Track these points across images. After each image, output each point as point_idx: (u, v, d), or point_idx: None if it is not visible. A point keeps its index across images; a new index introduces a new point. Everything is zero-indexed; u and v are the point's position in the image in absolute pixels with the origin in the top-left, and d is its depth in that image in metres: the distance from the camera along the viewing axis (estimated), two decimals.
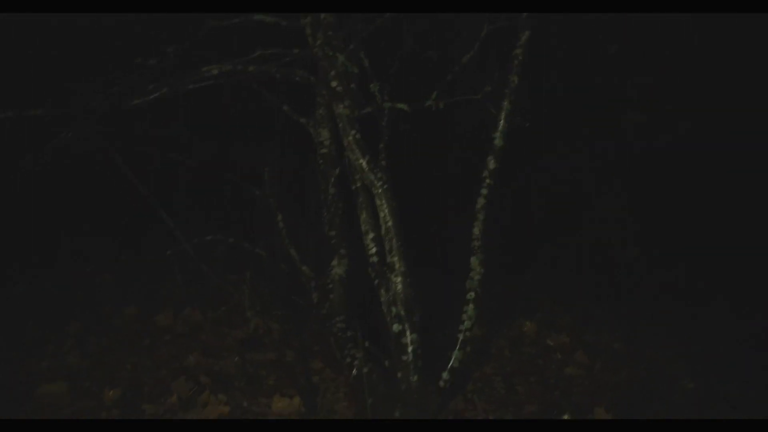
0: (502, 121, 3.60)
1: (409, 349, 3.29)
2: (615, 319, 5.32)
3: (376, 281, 3.43)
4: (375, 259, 3.46)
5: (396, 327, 3.32)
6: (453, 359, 3.40)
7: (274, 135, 4.98)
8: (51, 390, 3.39)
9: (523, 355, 4.61)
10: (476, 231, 3.57)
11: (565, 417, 3.35)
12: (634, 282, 5.73)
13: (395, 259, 3.34)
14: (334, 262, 3.79)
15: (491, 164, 3.61)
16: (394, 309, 3.33)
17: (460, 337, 3.44)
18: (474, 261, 3.54)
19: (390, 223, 3.35)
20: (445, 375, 3.39)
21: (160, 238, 5.75)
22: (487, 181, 3.60)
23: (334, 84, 3.41)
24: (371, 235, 3.49)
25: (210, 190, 6.34)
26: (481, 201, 3.58)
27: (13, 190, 4.61)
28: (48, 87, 2.99)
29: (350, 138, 3.39)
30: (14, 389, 3.40)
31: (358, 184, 3.53)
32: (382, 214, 3.37)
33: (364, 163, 3.38)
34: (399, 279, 3.33)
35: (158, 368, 3.92)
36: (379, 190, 3.36)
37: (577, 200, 6.04)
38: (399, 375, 3.31)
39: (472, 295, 3.49)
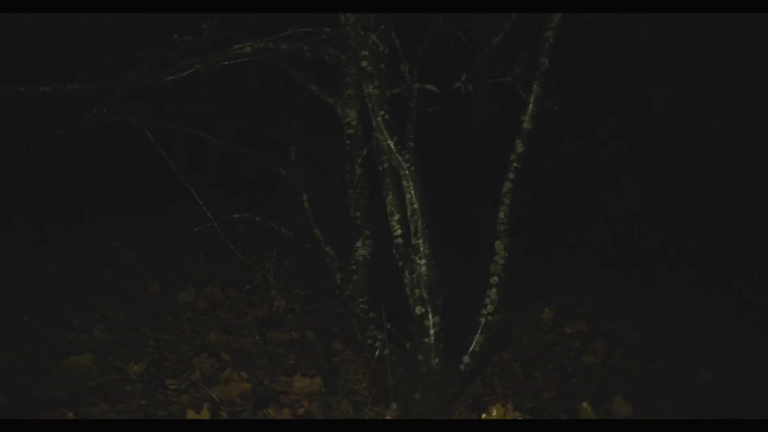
0: (531, 105, 3.56)
1: (431, 331, 3.29)
2: (634, 309, 5.29)
3: (401, 263, 3.43)
4: (400, 240, 3.45)
5: (419, 309, 3.32)
6: (474, 343, 3.40)
7: (300, 114, 4.97)
8: (77, 362, 3.42)
9: (541, 342, 4.60)
10: (502, 215, 3.54)
11: (584, 405, 3.34)
12: (655, 271, 5.68)
13: (420, 241, 3.33)
14: (359, 243, 3.79)
15: (519, 148, 3.58)
16: (417, 291, 3.33)
17: (482, 321, 3.43)
18: (498, 245, 3.52)
19: (416, 205, 3.34)
20: (465, 359, 3.39)
21: (185, 215, 5.80)
22: (515, 164, 3.57)
23: (364, 63, 3.39)
24: (397, 217, 3.48)
25: (235, 169, 6.38)
26: (507, 185, 3.56)
27: (43, 164, 4.67)
28: (81, 63, 2.99)
29: (379, 118, 3.38)
30: (42, 360, 3.44)
31: (385, 165, 3.52)
32: (408, 196, 3.36)
33: (392, 144, 3.37)
34: (423, 261, 3.32)
35: (180, 344, 3.97)
36: (407, 172, 3.35)
37: (602, 188, 5.99)
38: (420, 357, 3.31)
39: (495, 279, 3.48)
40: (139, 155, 6.08)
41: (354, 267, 3.79)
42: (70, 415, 2.81)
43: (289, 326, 4.25)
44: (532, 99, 3.57)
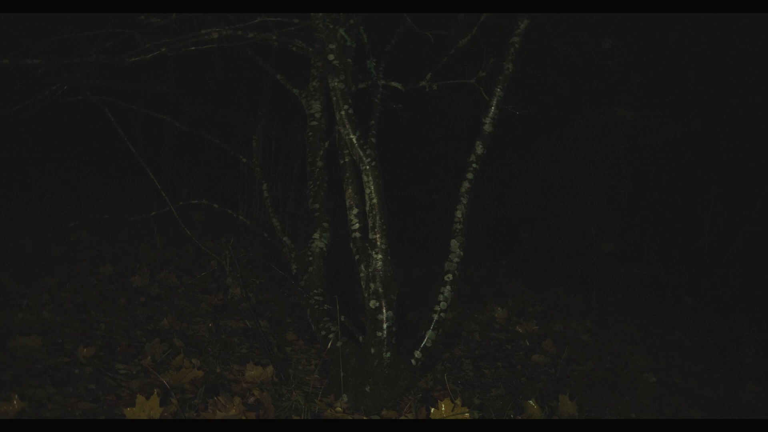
0: (493, 108, 3.62)
1: (384, 325, 3.33)
2: (585, 311, 5.45)
3: (357, 257, 3.45)
4: (357, 234, 3.48)
5: (373, 303, 3.35)
6: (426, 339, 3.45)
7: (264, 103, 4.96)
8: (25, 343, 3.36)
9: (492, 340, 4.70)
10: (458, 214, 3.60)
11: (531, 402, 3.43)
12: (606, 276, 5.84)
13: (377, 236, 3.36)
14: (316, 235, 3.80)
15: (479, 149, 3.63)
16: (372, 285, 3.36)
17: (435, 317, 3.48)
18: (454, 243, 3.58)
19: (375, 200, 3.37)
20: (417, 354, 3.44)
21: (142, 198, 5.73)
22: (474, 165, 3.62)
23: (331, 57, 3.40)
24: (355, 211, 3.51)
25: (195, 153, 6.31)
26: (465, 185, 3.61)
27: None
28: (43, 37, 2.94)
29: (342, 112, 3.40)
30: None
31: (346, 159, 3.54)
32: (367, 191, 3.39)
33: (354, 138, 3.39)
34: (379, 256, 3.35)
35: (132, 329, 3.92)
36: (367, 167, 3.37)
37: (557, 192, 6.12)
38: (372, 351, 3.35)
39: (449, 276, 3.53)
40: (96, 134, 5.99)
41: (310, 258, 3.81)
42: (15, 398, 2.77)
43: (243, 315, 4.25)
44: (494, 102, 3.63)
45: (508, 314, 5.10)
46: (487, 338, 4.68)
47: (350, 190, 3.54)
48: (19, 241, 4.93)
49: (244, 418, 2.97)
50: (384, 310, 3.32)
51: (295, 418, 3.04)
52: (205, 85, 6.65)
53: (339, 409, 3.26)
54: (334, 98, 3.44)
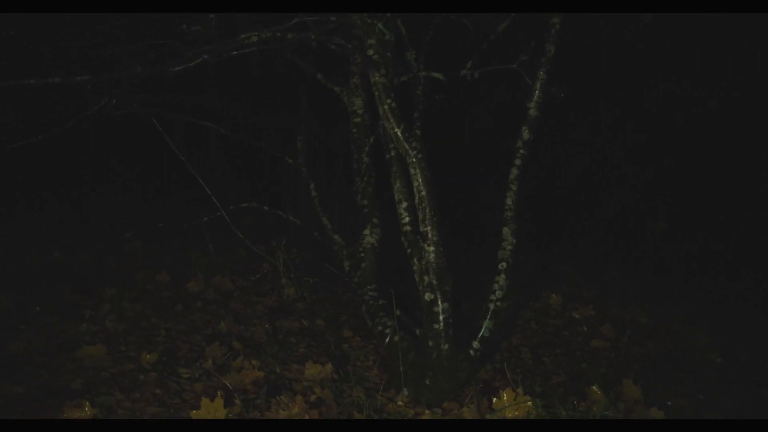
0: (537, 92, 3.56)
1: (441, 317, 3.31)
2: (641, 294, 5.33)
3: (409, 250, 3.44)
4: (408, 228, 3.47)
5: (428, 296, 3.34)
6: (484, 329, 3.42)
7: (306, 103, 4.98)
8: (90, 352, 3.45)
9: (549, 327, 4.64)
10: (509, 201, 3.56)
11: (594, 388, 3.37)
12: (661, 256, 5.72)
13: (428, 228, 3.35)
14: (366, 231, 3.81)
15: (525, 135, 3.58)
16: (426, 278, 3.35)
17: (491, 306, 3.45)
18: (506, 231, 3.54)
19: (423, 193, 3.36)
20: (475, 344, 3.41)
21: (189, 205, 5.82)
22: (521, 151, 3.58)
23: (370, 52, 3.39)
24: (404, 204, 3.50)
25: (238, 157, 6.38)
26: (514, 171, 3.57)
27: (49, 154, 4.69)
28: (89, 53, 3.00)
29: (385, 107, 3.39)
30: (55, 351, 3.48)
31: (392, 154, 3.54)
32: (415, 184, 3.38)
33: (399, 132, 3.38)
34: (432, 248, 3.34)
35: (191, 333, 3.99)
36: (414, 160, 3.36)
37: (606, 173, 6.01)
38: (430, 343, 3.34)
39: (503, 265, 3.49)
40: (140, 145, 6.11)
41: (362, 255, 3.81)
42: (87, 405, 2.84)
43: (299, 314, 4.28)
44: (538, 85, 3.57)
45: (562, 300, 5.03)
46: (543, 325, 4.62)
47: (398, 184, 3.53)
48: (76, 255, 5.06)
49: (307, 416, 2.99)
50: (440, 302, 3.31)
51: (357, 414, 3.05)
52: (243, 89, 6.72)
53: (400, 403, 3.26)
54: (377, 93, 3.43)
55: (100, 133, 4.62)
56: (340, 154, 5.50)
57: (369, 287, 3.75)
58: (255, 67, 6.68)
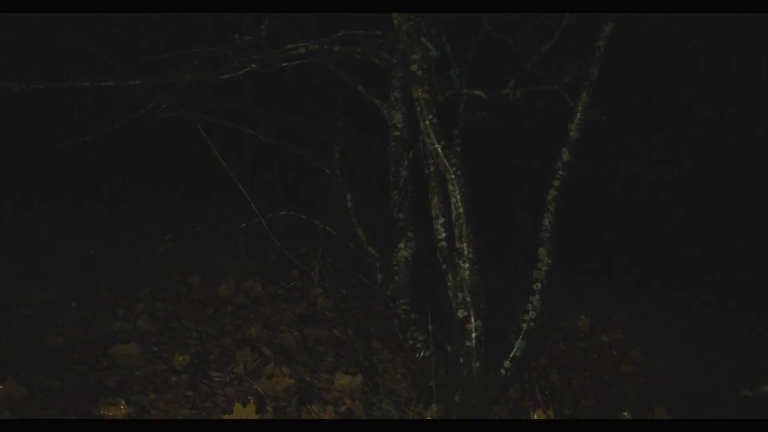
0: (579, 114, 3.58)
1: (473, 335, 3.32)
2: (671, 321, 5.28)
3: (444, 266, 3.46)
4: (444, 244, 3.48)
5: (461, 312, 3.35)
6: (516, 348, 3.42)
7: (345, 115, 5.02)
8: (124, 351, 3.49)
9: (577, 349, 4.62)
10: (546, 222, 3.56)
11: (625, 414, 3.34)
12: (692, 282, 5.66)
13: (464, 245, 3.36)
14: (401, 245, 3.83)
15: (565, 156, 3.59)
16: (460, 294, 3.36)
17: (524, 326, 3.45)
18: (542, 252, 3.54)
19: (461, 209, 3.37)
20: (507, 363, 3.41)
21: (223, 209, 5.89)
22: (560, 173, 3.59)
23: (414, 67, 3.42)
24: (441, 220, 3.51)
25: (273, 166, 6.44)
26: (552, 192, 3.57)
27: (91, 154, 4.78)
28: (142, 57, 3.07)
29: (427, 122, 3.41)
30: (91, 347, 3.52)
31: (431, 169, 3.55)
32: (453, 200, 3.39)
33: (439, 148, 3.39)
34: (467, 265, 3.34)
35: (222, 337, 4.02)
36: (453, 176, 3.37)
37: (640, 197, 5.97)
38: (461, 360, 3.34)
39: (538, 285, 3.50)
40: (175, 148, 6.20)
41: (396, 268, 3.83)
42: (122, 403, 2.88)
43: (328, 323, 4.30)
44: (580, 108, 3.59)
45: (591, 322, 5.00)
46: (572, 347, 4.60)
47: (436, 200, 3.55)
48: (111, 253, 5.13)
49: None
50: (473, 320, 3.31)
51: None
52: (279, 98, 6.79)
53: (429, 418, 3.25)
54: (419, 108, 3.46)
55: (138, 134, 4.70)
56: (375, 167, 5.54)
57: (401, 301, 3.76)
58: (292, 76, 6.75)
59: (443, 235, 3.49)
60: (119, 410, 2.87)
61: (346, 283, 4.54)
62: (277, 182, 6.46)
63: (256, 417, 2.94)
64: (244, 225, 3.73)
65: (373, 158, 5.62)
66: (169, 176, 6.46)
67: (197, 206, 6.36)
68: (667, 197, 5.75)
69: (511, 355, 3.41)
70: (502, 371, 3.40)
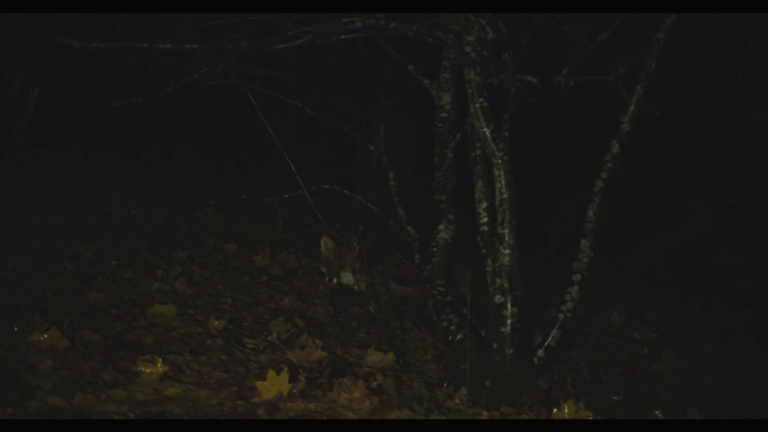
0: (632, 106, 3.50)
1: (509, 321, 3.30)
2: (705, 323, 5.20)
3: (484, 251, 3.43)
4: (486, 228, 3.45)
5: (498, 298, 3.33)
6: (550, 338, 3.40)
7: (384, 94, 5.00)
8: (162, 311, 3.55)
9: (608, 345, 4.58)
10: (590, 214, 3.52)
11: (657, 413, 3.31)
12: (731, 286, 5.56)
13: (506, 231, 3.33)
14: (441, 227, 3.81)
15: (615, 148, 3.53)
16: (498, 280, 3.34)
17: (561, 317, 3.43)
18: (584, 243, 3.51)
19: (505, 195, 3.33)
20: (540, 352, 3.40)
21: (264, 179, 5.93)
22: (609, 165, 3.53)
23: (468, 49, 3.39)
24: (484, 205, 3.48)
25: (311, 141, 6.47)
26: (599, 184, 3.52)
27: (143, 118, 4.85)
28: (197, 23, 3.08)
29: (477, 105, 3.37)
30: (130, 305, 3.59)
31: (478, 153, 3.52)
32: (498, 185, 3.35)
33: (487, 132, 3.36)
34: (507, 251, 3.32)
35: (256, 306, 4.07)
36: (499, 161, 3.34)
37: (680, 197, 5.87)
38: (495, 346, 3.33)
39: (578, 277, 3.46)
40: (219, 115, 6.25)
41: (434, 249, 3.81)
42: (159, 362, 2.93)
43: (362, 300, 4.32)
44: (634, 100, 3.51)
45: (624, 319, 4.95)
46: (603, 342, 4.56)
47: (480, 184, 3.51)
48: (151, 214, 5.21)
49: (368, 402, 3.02)
50: (509, 306, 3.30)
51: (416, 407, 3.06)
52: (323, 73, 6.79)
53: (457, 401, 3.26)
54: (470, 90, 3.42)
55: (189, 100, 4.75)
56: (416, 147, 5.53)
57: (438, 282, 3.76)
58: (338, 54, 6.75)
59: (485, 219, 3.46)
60: (156, 368, 2.92)
61: (384, 262, 4.55)
62: (317, 158, 6.47)
63: (289, 386, 2.96)
64: (286, 196, 3.75)
65: (413, 139, 5.60)
66: (214, 143, 6.52)
67: (239, 174, 6.41)
68: (711, 201, 5.65)
69: (545, 344, 3.39)
70: (535, 360, 3.39)
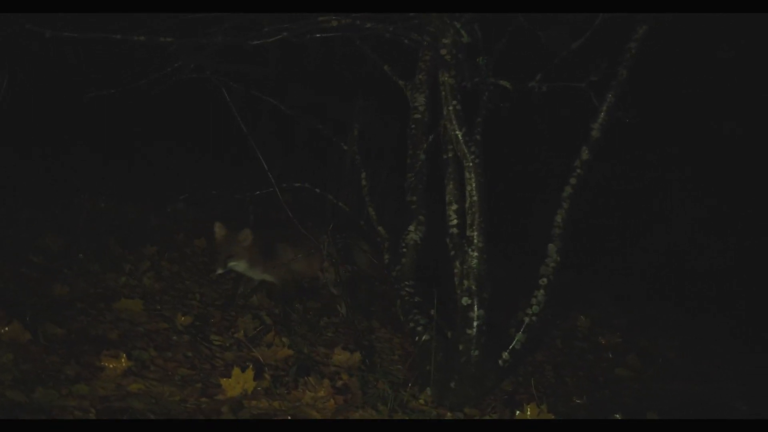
0: (603, 113, 3.55)
1: (475, 323, 3.33)
2: (672, 328, 5.26)
3: (453, 252, 3.45)
4: (455, 231, 3.47)
5: (465, 300, 3.35)
6: (516, 341, 3.44)
7: (367, 94, 5.00)
8: (128, 305, 3.53)
9: (574, 349, 4.62)
10: (558, 219, 3.56)
11: (617, 416, 3.36)
12: (699, 295, 5.64)
13: (475, 233, 3.35)
14: (412, 228, 3.82)
15: (584, 155, 3.58)
16: (465, 282, 3.36)
17: (526, 320, 3.46)
18: (551, 248, 3.54)
19: (476, 198, 3.36)
20: (505, 355, 3.43)
21: (237, 175, 5.89)
22: (578, 171, 3.57)
23: (443, 52, 3.40)
24: (454, 207, 3.50)
25: (285, 139, 6.44)
26: (568, 190, 3.56)
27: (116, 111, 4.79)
28: (174, 16, 3.06)
29: (451, 107, 3.39)
30: (96, 299, 3.56)
31: (450, 155, 3.53)
32: (469, 188, 3.38)
33: (460, 134, 3.38)
34: (475, 254, 3.35)
35: (223, 301, 4.05)
36: (471, 164, 3.36)
37: (651, 204, 5.95)
38: (461, 347, 3.35)
39: (544, 281, 3.50)
40: (198, 111, 6.20)
41: (404, 250, 3.82)
42: (123, 357, 2.91)
43: (331, 299, 4.32)
44: (605, 108, 3.56)
45: (591, 324, 5.00)
46: (569, 346, 4.60)
47: (451, 186, 3.53)
48: (122, 208, 5.15)
49: (332, 401, 3.02)
50: (476, 308, 3.32)
51: (381, 407, 3.07)
52: (301, 70, 6.77)
53: (422, 401, 3.27)
54: (443, 93, 3.44)
55: (164, 94, 4.69)
56: (389, 148, 5.53)
57: (406, 283, 3.76)
58: (315, 53, 6.73)
59: (455, 221, 3.49)
60: (120, 363, 2.90)
61: (352, 261, 4.55)
62: (290, 156, 6.45)
63: (254, 383, 2.96)
64: (257, 193, 3.73)
65: (388, 140, 5.61)
66: (187, 138, 6.47)
67: (211, 170, 6.37)
68: (681, 206, 5.74)
69: (511, 347, 3.42)
70: (500, 362, 3.42)
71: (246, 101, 5.31)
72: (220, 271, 3.91)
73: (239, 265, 3.97)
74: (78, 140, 5.46)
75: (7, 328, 2.97)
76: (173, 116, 6.21)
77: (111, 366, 2.88)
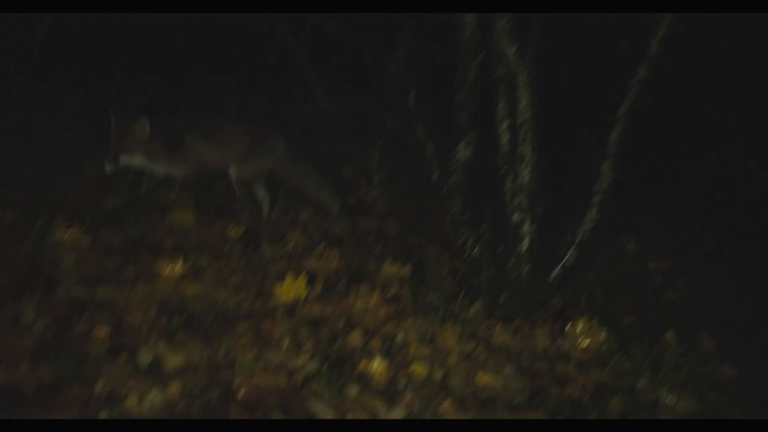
0: (662, 31, 3.41)
1: (526, 239, 3.32)
2: (722, 256, 5.15)
3: (504, 169, 3.41)
4: (506, 147, 3.42)
5: (516, 216, 3.33)
6: (567, 256, 3.43)
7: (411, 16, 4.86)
8: (181, 216, 3.59)
9: (623, 271, 4.58)
10: (614, 137, 3.47)
11: (669, 335, 3.34)
12: (750, 224, 5.49)
13: (528, 149, 3.30)
14: (461, 145, 3.76)
15: (641, 72, 3.45)
16: (517, 198, 3.33)
17: (578, 237, 3.44)
18: (605, 166, 3.48)
19: (528, 114, 3.29)
20: (556, 270, 3.43)
21: (279, 93, 5.85)
22: (634, 89, 3.46)
23: None
24: (505, 124, 3.43)
25: (337, 57, 6.33)
26: (624, 108, 3.46)
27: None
28: None
29: (501, 25, 3.29)
30: (151, 209, 3.63)
31: (501, 73, 3.44)
32: (521, 105, 3.30)
33: (512, 51, 3.28)
34: (528, 170, 3.30)
35: (276, 217, 4.10)
36: (523, 81, 3.28)
37: (707, 132, 5.77)
38: (511, 262, 3.35)
39: (597, 198, 3.45)
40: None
41: (454, 168, 3.78)
42: (180, 262, 2.98)
43: (379, 216, 4.32)
44: (664, 24, 3.41)
45: (639, 249, 4.93)
46: (618, 269, 4.55)
47: (502, 103, 3.45)
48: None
49: (383, 310, 3.06)
50: (528, 224, 3.31)
51: (433, 316, 3.09)
52: None
53: (472, 313, 3.29)
54: None
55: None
56: (435, 70, 5.40)
57: (456, 200, 3.74)
58: None
59: (506, 138, 3.43)
60: (176, 268, 2.97)
61: (400, 179, 4.53)
62: (335, 78, 6.37)
63: (306, 290, 3.00)
64: (306, 110, 3.71)
65: (434, 61, 5.47)
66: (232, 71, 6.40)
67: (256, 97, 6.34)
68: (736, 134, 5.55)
69: (562, 263, 3.41)
70: (551, 278, 3.42)
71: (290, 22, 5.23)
72: (109, 167, 3.45)
73: (135, 160, 3.55)
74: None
75: (67, 235, 3.06)
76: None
77: (167, 271, 2.96)
